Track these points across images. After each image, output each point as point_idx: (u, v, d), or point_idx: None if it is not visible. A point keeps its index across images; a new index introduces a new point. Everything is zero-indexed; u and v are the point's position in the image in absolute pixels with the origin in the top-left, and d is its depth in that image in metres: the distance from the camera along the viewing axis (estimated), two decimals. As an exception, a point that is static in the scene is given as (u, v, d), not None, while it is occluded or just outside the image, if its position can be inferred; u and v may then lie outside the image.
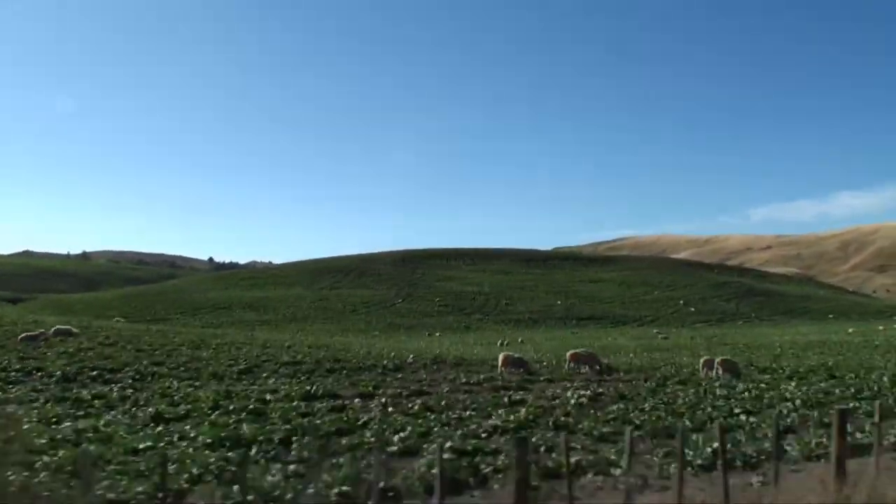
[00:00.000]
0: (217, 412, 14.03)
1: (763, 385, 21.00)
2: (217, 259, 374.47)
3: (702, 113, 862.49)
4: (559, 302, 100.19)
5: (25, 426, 11.02)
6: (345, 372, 22.29)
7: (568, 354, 25.57)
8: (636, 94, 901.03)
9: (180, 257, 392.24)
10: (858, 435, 11.54)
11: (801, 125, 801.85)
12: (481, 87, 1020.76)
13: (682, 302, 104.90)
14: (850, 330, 74.13)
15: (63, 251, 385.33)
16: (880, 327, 78.00)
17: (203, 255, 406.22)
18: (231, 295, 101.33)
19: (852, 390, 19.46)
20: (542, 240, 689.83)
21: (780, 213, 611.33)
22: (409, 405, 15.43)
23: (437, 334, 68.65)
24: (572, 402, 16.44)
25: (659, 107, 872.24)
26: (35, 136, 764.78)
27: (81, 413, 13.81)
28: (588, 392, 17.97)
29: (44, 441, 10.30)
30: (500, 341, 53.92)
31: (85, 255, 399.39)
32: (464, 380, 20.72)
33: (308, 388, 17.72)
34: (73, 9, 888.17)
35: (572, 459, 7.83)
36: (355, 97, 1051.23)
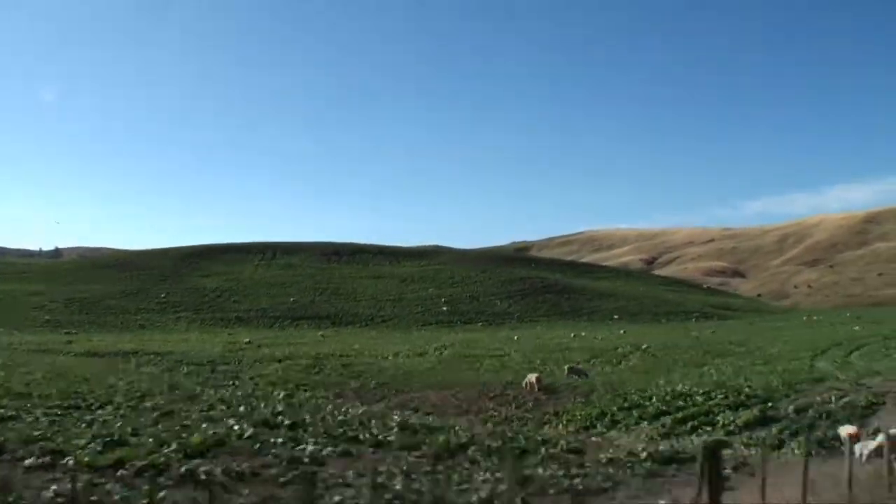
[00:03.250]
0: None
1: None
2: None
3: (693, 104, 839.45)
4: (293, 299, 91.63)
5: None
6: None
7: None
8: (627, 85, 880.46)
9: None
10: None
11: (795, 117, 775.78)
12: (458, 82, 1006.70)
13: (443, 300, 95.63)
14: (516, 337, 64.78)
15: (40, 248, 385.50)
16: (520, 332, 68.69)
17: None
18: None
19: None
20: (515, 234, 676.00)
21: (774, 206, 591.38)
22: None
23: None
24: None
25: (649, 98, 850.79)
26: (18, 127, 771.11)
27: None
28: None
29: None
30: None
31: (57, 251, 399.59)
32: None
33: None
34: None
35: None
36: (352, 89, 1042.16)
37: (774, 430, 17.50)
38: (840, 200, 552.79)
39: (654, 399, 22.32)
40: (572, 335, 65.92)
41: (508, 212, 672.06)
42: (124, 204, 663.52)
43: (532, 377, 24.93)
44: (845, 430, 15.85)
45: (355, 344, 52.93)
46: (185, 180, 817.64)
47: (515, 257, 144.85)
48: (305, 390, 27.70)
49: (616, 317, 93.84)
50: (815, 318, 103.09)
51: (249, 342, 57.01)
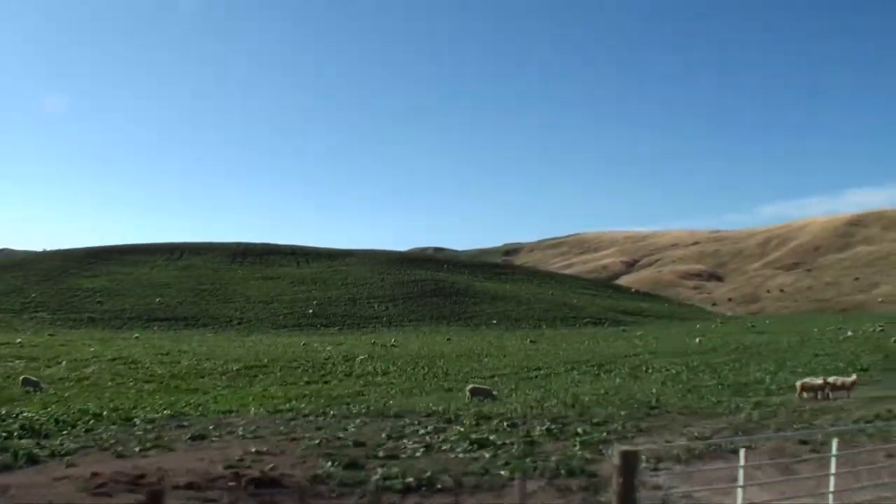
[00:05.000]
0: None
1: None
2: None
3: (708, 108, 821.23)
4: (158, 300, 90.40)
5: None
6: None
7: None
8: (641, 87, 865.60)
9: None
10: None
11: (810, 120, 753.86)
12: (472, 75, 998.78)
13: (315, 303, 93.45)
14: (303, 343, 62.57)
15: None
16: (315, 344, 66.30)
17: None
18: None
19: None
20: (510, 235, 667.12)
21: (788, 210, 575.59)
22: None
23: None
24: None
25: (662, 99, 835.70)
26: (29, 132, 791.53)
27: None
28: None
29: None
30: None
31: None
32: None
33: None
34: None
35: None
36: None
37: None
38: (855, 205, 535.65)
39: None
40: (373, 342, 63.67)
41: (513, 213, 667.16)
42: (128, 203, 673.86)
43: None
44: None
45: (91, 347, 51.26)
46: (192, 180, 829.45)
47: (428, 258, 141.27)
48: None
49: (494, 322, 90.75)
50: (715, 325, 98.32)
51: (20, 343, 55.78)
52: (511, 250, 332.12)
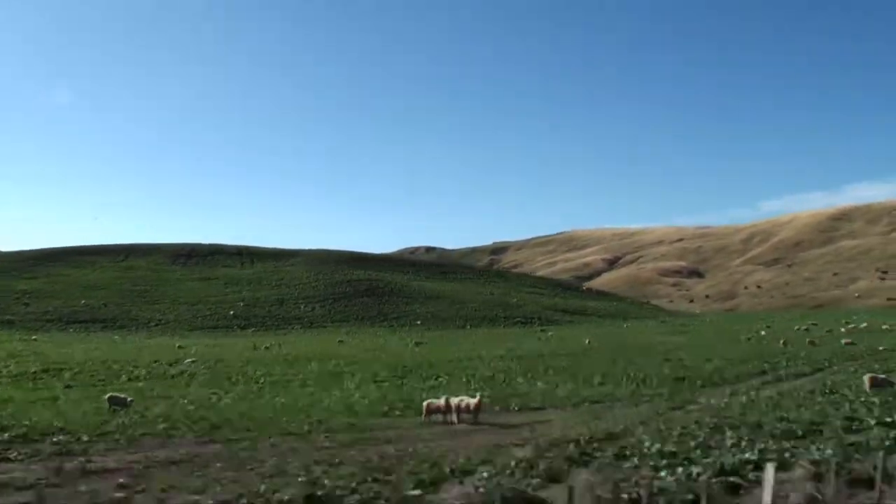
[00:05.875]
0: None
1: None
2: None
3: (710, 104, 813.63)
4: (84, 302, 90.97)
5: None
6: None
7: None
8: (641, 86, 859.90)
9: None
10: None
11: (814, 115, 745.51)
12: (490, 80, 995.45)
13: (241, 304, 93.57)
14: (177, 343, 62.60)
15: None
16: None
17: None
18: None
19: None
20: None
21: (792, 205, 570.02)
22: None
23: None
24: None
25: (666, 97, 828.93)
26: (28, 131, 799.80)
27: None
28: None
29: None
30: None
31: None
32: None
33: None
34: None
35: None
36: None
37: None
38: (859, 199, 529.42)
39: None
40: (253, 345, 63.58)
41: (511, 212, 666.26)
42: (128, 204, 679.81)
43: None
44: None
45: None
46: (191, 180, 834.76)
47: (373, 258, 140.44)
48: None
49: (419, 322, 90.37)
50: (647, 324, 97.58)
51: None
52: (499, 248, 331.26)
